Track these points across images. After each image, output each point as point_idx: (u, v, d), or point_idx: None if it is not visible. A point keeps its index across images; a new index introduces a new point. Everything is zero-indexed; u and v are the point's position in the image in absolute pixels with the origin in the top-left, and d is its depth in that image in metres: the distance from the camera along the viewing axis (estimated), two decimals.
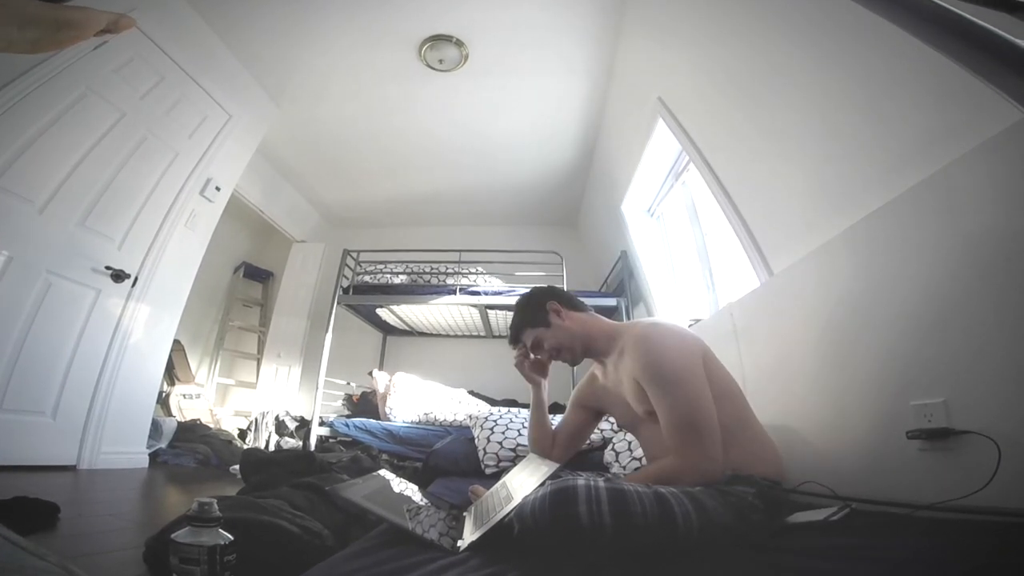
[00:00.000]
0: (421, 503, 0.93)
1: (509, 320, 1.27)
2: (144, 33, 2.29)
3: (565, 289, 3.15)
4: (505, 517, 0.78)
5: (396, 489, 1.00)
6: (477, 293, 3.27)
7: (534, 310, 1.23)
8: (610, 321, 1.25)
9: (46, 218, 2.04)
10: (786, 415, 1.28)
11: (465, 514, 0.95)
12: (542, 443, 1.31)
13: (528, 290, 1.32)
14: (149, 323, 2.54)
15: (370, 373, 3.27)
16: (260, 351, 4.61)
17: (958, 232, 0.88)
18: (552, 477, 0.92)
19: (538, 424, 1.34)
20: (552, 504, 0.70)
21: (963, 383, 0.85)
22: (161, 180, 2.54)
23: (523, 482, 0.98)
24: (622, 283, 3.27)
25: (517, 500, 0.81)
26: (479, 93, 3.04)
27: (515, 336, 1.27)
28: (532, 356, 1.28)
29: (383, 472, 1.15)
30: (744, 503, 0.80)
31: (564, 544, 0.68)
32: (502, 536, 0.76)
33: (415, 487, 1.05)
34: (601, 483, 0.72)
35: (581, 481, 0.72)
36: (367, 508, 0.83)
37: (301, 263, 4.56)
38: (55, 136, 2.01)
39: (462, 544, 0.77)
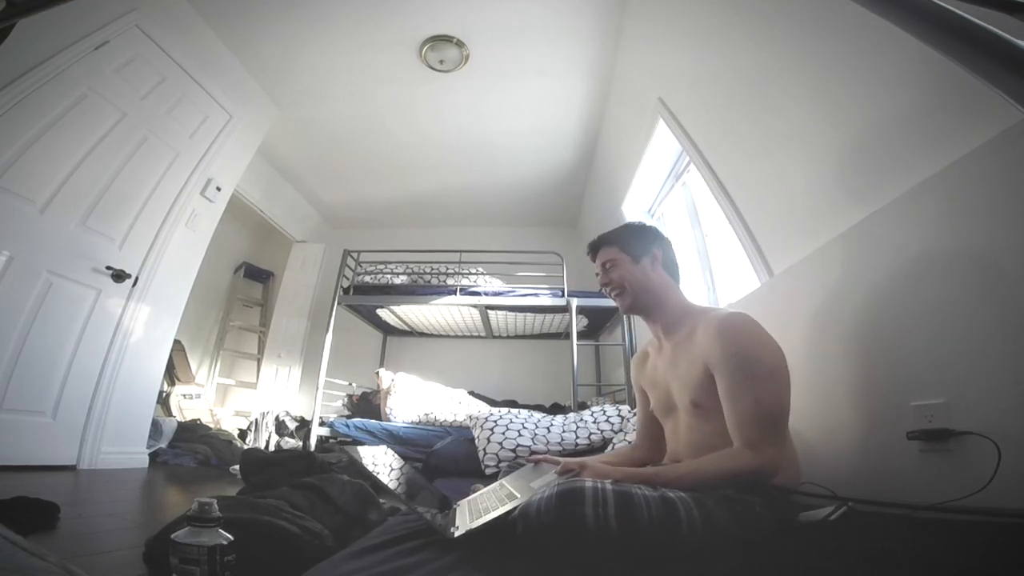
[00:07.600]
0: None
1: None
2: (145, 33, 2.29)
3: (565, 288, 3.22)
4: (510, 512, 0.77)
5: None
6: (477, 293, 3.28)
7: (636, 239, 1.16)
8: (689, 300, 1.17)
9: (47, 218, 2.04)
10: None
11: (456, 506, 0.95)
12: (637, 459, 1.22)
13: (647, 224, 1.22)
14: (149, 323, 2.54)
15: (377, 373, 3.28)
16: (260, 351, 4.61)
17: (958, 233, 0.88)
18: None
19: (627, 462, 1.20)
20: (559, 503, 0.69)
21: (963, 383, 0.85)
22: (162, 180, 2.55)
23: (525, 484, 0.97)
24: None
25: (520, 497, 0.81)
26: (479, 93, 3.04)
27: (598, 244, 1.18)
28: (598, 274, 1.17)
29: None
30: (750, 512, 0.80)
31: (568, 546, 0.68)
32: (503, 537, 0.76)
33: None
34: (608, 485, 0.73)
35: (588, 483, 0.72)
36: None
37: (301, 263, 4.56)
38: (56, 136, 2.01)
39: (456, 532, 0.76)
